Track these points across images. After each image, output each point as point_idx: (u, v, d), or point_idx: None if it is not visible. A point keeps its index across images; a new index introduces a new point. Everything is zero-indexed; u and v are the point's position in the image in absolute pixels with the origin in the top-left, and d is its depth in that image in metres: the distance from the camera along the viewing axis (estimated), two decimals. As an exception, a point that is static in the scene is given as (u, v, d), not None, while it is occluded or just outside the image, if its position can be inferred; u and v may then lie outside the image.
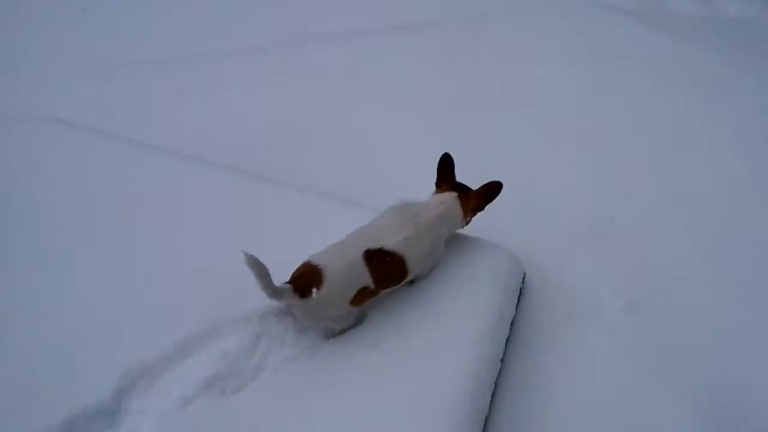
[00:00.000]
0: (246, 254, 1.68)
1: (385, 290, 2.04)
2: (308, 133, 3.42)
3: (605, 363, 2.36)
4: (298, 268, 1.89)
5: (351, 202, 2.47)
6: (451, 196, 2.21)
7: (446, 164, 2.28)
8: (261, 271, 1.72)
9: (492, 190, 2.25)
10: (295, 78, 3.88)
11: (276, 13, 4.60)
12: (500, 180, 2.26)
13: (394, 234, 2.01)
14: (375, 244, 1.96)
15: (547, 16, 4.61)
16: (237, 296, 1.99)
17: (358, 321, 2.06)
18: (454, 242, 2.32)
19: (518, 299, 2.39)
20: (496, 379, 2.14)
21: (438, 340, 2.00)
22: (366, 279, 1.93)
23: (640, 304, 2.58)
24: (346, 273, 1.88)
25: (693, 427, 2.20)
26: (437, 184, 2.30)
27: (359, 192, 2.70)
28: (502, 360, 2.19)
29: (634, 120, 3.66)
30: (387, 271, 1.98)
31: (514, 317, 2.33)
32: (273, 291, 1.76)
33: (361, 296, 1.95)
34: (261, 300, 2.00)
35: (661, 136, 3.55)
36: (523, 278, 2.47)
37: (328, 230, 2.00)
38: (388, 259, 1.97)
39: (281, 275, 1.98)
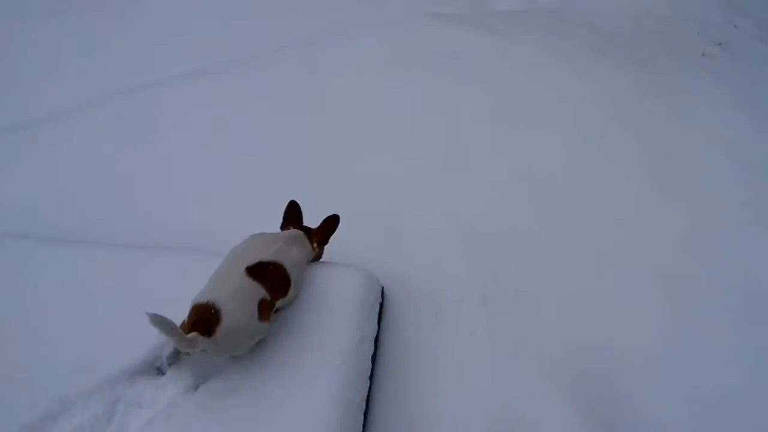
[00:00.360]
0: (149, 314, 1.63)
1: (279, 301, 2.07)
2: (131, 187, 3.24)
3: (472, 363, 2.45)
4: (190, 315, 1.85)
5: (187, 249, 2.46)
6: (297, 232, 2.31)
7: (293, 210, 2.40)
8: (169, 327, 1.68)
9: (331, 223, 2.43)
10: (117, 132, 3.65)
11: (79, 72, 4.38)
12: (338, 213, 2.44)
13: (265, 249, 2.09)
14: (252, 261, 2.00)
15: (376, 30, 4.70)
16: (82, 368, 1.93)
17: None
18: (308, 270, 2.35)
19: (380, 314, 2.44)
20: (368, 397, 2.18)
21: (300, 370, 2.02)
22: (259, 291, 1.96)
23: (497, 300, 2.70)
24: (239, 295, 1.90)
25: (566, 409, 2.33)
26: (282, 226, 2.38)
27: (191, 239, 2.68)
28: (371, 377, 2.23)
29: (468, 120, 3.82)
30: (274, 279, 2.03)
31: (378, 332, 2.38)
32: (187, 343, 1.73)
33: (263, 310, 1.96)
34: (109, 366, 1.97)
35: (499, 134, 3.72)
36: (383, 293, 2.53)
37: (168, 282, 1.98)
38: (271, 267, 2.04)
39: (131, 333, 1.96)
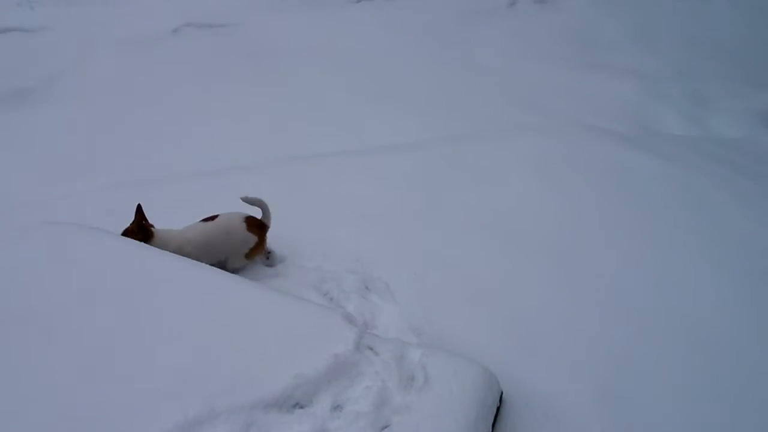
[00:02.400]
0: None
1: None
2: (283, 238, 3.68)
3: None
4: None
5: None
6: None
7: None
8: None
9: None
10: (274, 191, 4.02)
11: (261, 139, 5.09)
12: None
13: None
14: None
15: (529, 135, 4.83)
16: (229, 388, 2.24)
17: None
18: (429, 356, 2.53)
19: (495, 418, 2.52)
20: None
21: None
22: None
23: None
24: None
25: None
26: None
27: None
28: (477, 479, 2.30)
29: (613, 238, 3.79)
30: None
31: (491, 437, 2.46)
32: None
33: None
34: (250, 393, 2.24)
35: (643, 255, 3.65)
36: (501, 396, 2.60)
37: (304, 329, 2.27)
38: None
39: (273, 368, 2.24)
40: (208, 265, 2.91)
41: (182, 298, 2.67)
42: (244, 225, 3.37)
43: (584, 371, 2.89)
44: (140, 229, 3.25)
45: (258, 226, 3.42)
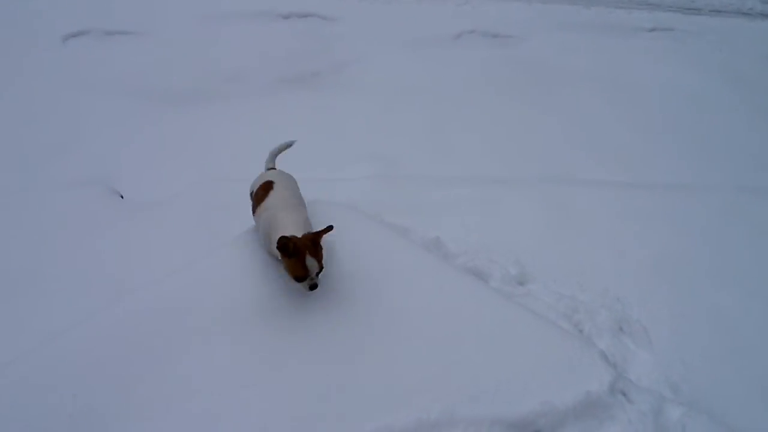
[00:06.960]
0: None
1: None
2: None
3: None
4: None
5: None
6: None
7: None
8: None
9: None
10: (532, 210, 4.07)
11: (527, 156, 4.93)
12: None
13: None
14: None
15: None
16: (472, 399, 2.22)
17: None
18: (691, 417, 2.35)
19: None
20: None
21: None
22: None
23: None
24: None
25: None
26: None
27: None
28: None
29: None
30: None
31: None
32: None
33: None
34: (492, 409, 2.19)
35: None
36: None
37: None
38: None
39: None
40: (468, 273, 2.91)
41: (436, 300, 2.67)
42: None
43: None
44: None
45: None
